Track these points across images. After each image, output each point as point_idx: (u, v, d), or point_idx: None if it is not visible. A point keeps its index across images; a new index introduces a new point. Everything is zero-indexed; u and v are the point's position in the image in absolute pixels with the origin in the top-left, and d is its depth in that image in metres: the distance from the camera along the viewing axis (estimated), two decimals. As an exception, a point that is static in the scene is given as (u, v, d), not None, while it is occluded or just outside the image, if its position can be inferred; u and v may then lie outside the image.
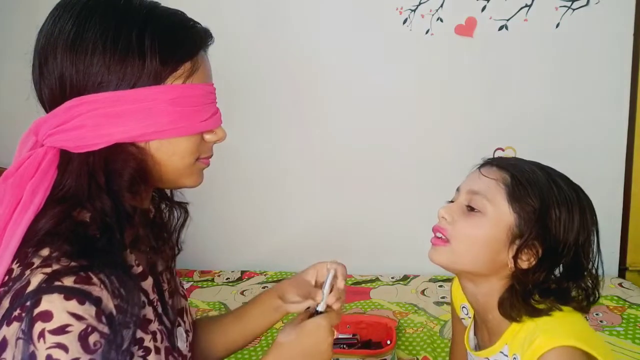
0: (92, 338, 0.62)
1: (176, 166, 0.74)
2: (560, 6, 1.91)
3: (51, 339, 0.59)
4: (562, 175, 0.88)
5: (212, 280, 2.19)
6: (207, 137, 0.77)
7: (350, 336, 1.57)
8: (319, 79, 2.10)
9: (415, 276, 2.10)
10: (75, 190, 0.69)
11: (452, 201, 0.91)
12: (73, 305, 0.61)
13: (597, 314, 1.72)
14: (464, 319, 1.06)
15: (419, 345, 1.64)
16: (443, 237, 0.88)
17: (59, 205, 0.68)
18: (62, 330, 0.60)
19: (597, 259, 0.87)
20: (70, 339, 0.60)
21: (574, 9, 1.91)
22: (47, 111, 0.71)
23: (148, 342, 0.72)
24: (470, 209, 0.87)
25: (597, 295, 0.88)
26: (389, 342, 1.53)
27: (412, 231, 2.01)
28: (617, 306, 1.78)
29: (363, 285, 2.07)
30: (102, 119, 0.68)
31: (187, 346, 0.86)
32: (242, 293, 2.06)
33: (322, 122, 2.14)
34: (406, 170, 2.13)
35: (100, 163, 0.69)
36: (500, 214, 0.84)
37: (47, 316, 0.60)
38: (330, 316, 0.86)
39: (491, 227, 0.85)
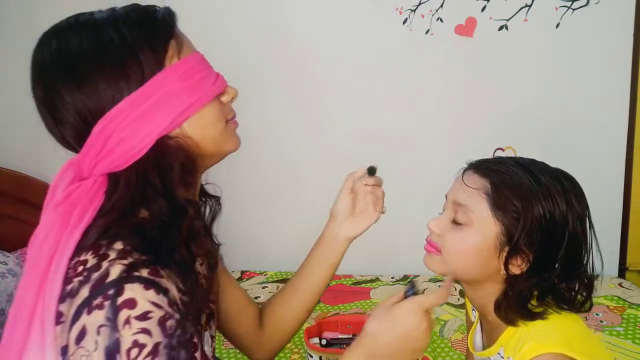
0: (169, 323, 0.65)
1: (212, 136, 0.78)
2: (560, 6, 1.91)
3: (136, 324, 0.62)
4: (543, 168, 0.86)
5: (212, 280, 2.19)
6: (224, 98, 0.81)
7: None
8: (319, 81, 2.09)
9: (415, 276, 2.10)
10: (129, 202, 0.71)
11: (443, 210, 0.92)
12: (151, 294, 0.64)
13: (597, 314, 1.72)
14: (474, 321, 1.06)
15: (419, 345, 1.64)
16: (435, 247, 0.89)
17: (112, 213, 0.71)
18: (145, 316, 0.63)
19: (591, 239, 0.85)
20: (152, 324, 0.63)
21: (574, 9, 1.91)
22: (76, 150, 0.74)
23: (195, 339, 0.72)
24: (457, 222, 0.87)
25: (593, 289, 0.87)
26: (389, 342, 1.53)
27: (412, 231, 2.01)
28: (617, 306, 1.78)
29: (363, 285, 2.07)
30: (133, 124, 0.71)
31: (211, 352, 0.84)
32: (242, 293, 2.05)
33: (321, 123, 2.14)
34: (406, 170, 2.12)
35: (149, 166, 0.72)
36: (485, 224, 0.84)
37: (131, 304, 0.63)
38: (421, 299, 0.79)
39: (478, 238, 0.85)
